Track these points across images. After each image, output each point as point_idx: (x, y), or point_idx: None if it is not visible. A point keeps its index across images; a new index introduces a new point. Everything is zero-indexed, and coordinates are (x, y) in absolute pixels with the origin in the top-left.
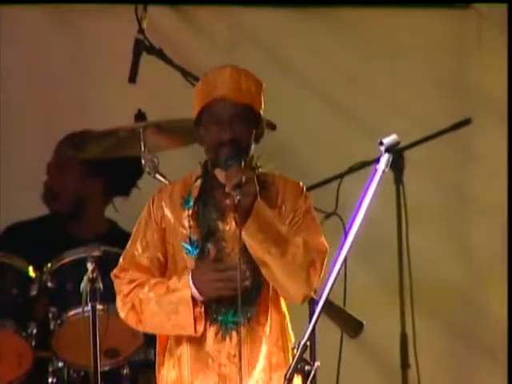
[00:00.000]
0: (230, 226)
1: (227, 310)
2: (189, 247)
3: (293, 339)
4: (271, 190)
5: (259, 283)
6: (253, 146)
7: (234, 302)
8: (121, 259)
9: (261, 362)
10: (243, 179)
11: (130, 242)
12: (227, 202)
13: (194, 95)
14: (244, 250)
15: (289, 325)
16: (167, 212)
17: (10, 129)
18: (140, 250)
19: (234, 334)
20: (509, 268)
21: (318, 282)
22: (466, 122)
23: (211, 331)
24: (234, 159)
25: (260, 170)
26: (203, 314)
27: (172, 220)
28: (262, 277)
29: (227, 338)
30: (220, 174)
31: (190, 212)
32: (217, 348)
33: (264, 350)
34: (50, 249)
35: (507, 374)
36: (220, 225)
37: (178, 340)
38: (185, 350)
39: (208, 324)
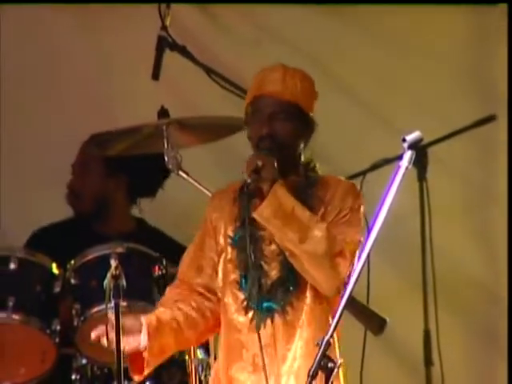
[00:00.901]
0: None
1: (262, 299)
2: (232, 237)
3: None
4: (322, 188)
5: (295, 272)
6: (301, 145)
7: (271, 290)
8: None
9: (292, 352)
10: (259, 164)
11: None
12: (245, 188)
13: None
14: None
15: (328, 316)
16: (220, 211)
17: (36, 129)
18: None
19: (269, 322)
20: (509, 268)
21: (347, 273)
22: (489, 119)
23: (246, 320)
24: (265, 150)
25: (319, 171)
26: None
27: (223, 218)
28: None
29: (262, 328)
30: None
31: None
32: (251, 338)
33: (296, 339)
34: (78, 249)
35: None
36: None
37: (220, 333)
38: (222, 341)
39: (243, 313)
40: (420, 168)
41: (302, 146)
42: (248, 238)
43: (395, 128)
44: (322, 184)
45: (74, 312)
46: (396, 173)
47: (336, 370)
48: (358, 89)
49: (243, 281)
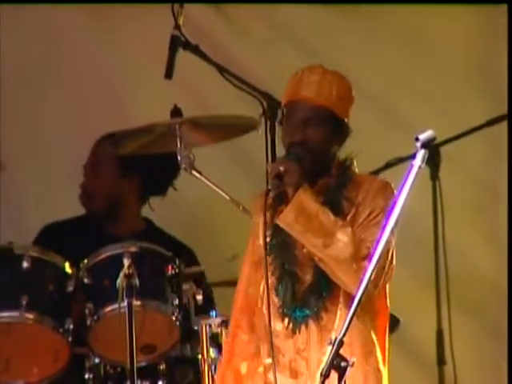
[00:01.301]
0: None
1: (296, 304)
2: (268, 242)
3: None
4: (355, 188)
5: (327, 277)
6: (335, 148)
7: (304, 297)
8: None
9: (327, 357)
10: (282, 170)
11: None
12: (270, 194)
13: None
14: None
15: (366, 319)
16: (260, 213)
17: (49, 129)
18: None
19: (304, 328)
20: (509, 267)
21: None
22: (501, 118)
23: (282, 326)
24: (294, 155)
25: (356, 170)
26: None
27: (262, 220)
28: None
29: (297, 333)
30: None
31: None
32: (287, 343)
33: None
34: (87, 248)
35: None
36: None
37: (260, 338)
38: (262, 347)
39: (279, 319)
40: (433, 167)
41: (335, 149)
42: (280, 244)
43: (408, 127)
44: (354, 184)
45: (86, 311)
46: (409, 172)
47: (349, 368)
48: (371, 88)
49: (278, 287)
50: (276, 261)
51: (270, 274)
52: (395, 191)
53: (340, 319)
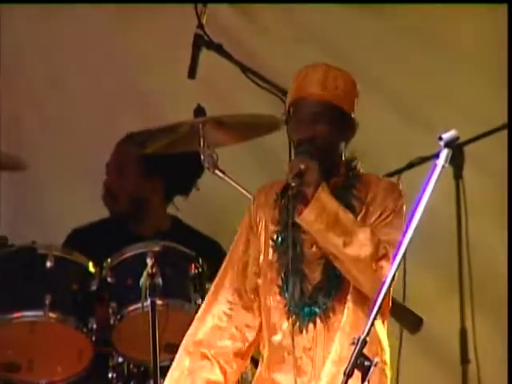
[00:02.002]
0: None
1: (304, 303)
2: (274, 240)
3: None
4: (363, 188)
5: (338, 276)
6: (342, 145)
7: (312, 295)
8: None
9: (331, 355)
10: (302, 168)
11: (235, 239)
12: (289, 192)
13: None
14: None
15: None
16: (262, 209)
17: (72, 128)
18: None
19: (311, 326)
20: (509, 266)
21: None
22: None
23: (288, 324)
24: (305, 152)
25: (361, 170)
26: None
27: (264, 216)
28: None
29: (304, 331)
30: (284, 167)
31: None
32: (293, 341)
33: (336, 343)
34: (114, 250)
35: None
36: None
37: (262, 337)
38: (265, 344)
39: (285, 317)
40: (456, 166)
41: (342, 146)
42: (290, 242)
43: (432, 127)
44: (362, 183)
45: (110, 310)
46: (432, 171)
47: (372, 368)
48: (395, 88)
49: (285, 285)
50: (283, 258)
51: (275, 272)
52: (402, 191)
53: (348, 318)
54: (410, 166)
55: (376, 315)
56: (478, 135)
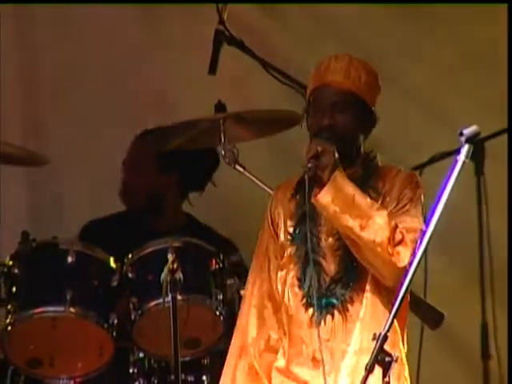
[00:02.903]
0: None
1: (321, 295)
2: (291, 234)
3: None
4: (380, 179)
5: (356, 267)
6: (361, 137)
7: (329, 287)
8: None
9: (352, 347)
10: (319, 150)
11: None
12: (305, 175)
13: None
14: (340, 234)
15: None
16: (280, 206)
17: (93, 123)
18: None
19: (329, 318)
20: (509, 266)
21: (411, 261)
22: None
23: (306, 316)
24: (323, 137)
25: (379, 162)
26: None
27: (283, 212)
28: (359, 261)
29: (322, 323)
30: (302, 150)
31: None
32: (310, 334)
33: (356, 334)
34: (128, 244)
35: None
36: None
37: (281, 328)
38: (284, 336)
39: (304, 309)
40: (477, 162)
41: (361, 138)
42: (308, 233)
43: (454, 122)
44: (380, 175)
45: (131, 306)
46: (453, 167)
47: (393, 363)
48: (417, 84)
49: (303, 278)
50: (299, 251)
51: (294, 265)
52: (420, 182)
53: (366, 309)
54: (432, 161)
55: (397, 311)
56: (499, 130)
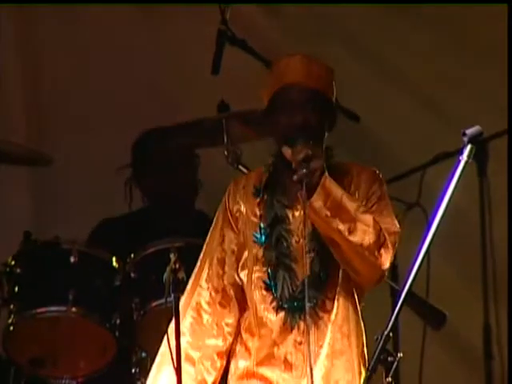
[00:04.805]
0: (299, 212)
1: (293, 298)
2: (257, 235)
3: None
4: (345, 177)
5: (327, 269)
6: (326, 135)
7: (301, 290)
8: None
9: (325, 349)
10: (309, 154)
11: (209, 233)
12: (294, 177)
13: (265, 84)
14: (311, 236)
15: (358, 310)
16: (241, 202)
17: (96, 123)
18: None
19: (301, 321)
20: (509, 266)
21: (389, 264)
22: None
23: (278, 319)
24: (302, 137)
25: (335, 160)
26: None
27: (245, 210)
28: (330, 263)
29: (294, 325)
30: (286, 152)
31: (259, 200)
32: (282, 336)
33: (328, 336)
34: (138, 243)
35: None
36: (288, 212)
37: (247, 328)
38: (252, 338)
39: (275, 311)
40: (480, 162)
41: (326, 135)
42: (276, 237)
43: (456, 122)
44: (343, 172)
45: (133, 306)
46: (456, 167)
47: (396, 363)
48: (419, 83)
49: (271, 281)
50: (269, 253)
51: (260, 267)
52: (383, 178)
53: (337, 311)
54: (435, 160)
55: (400, 310)
56: (502, 131)
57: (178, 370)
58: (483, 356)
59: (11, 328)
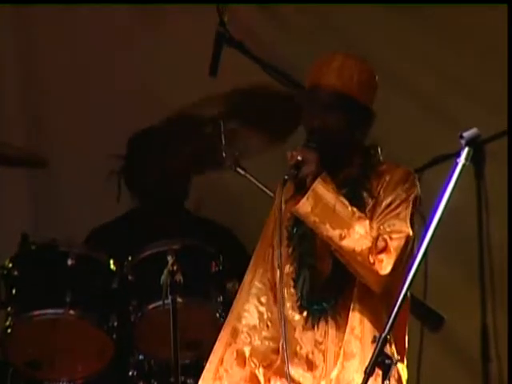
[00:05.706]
0: None
1: (313, 299)
2: (290, 232)
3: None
4: (377, 178)
5: (344, 270)
6: (357, 135)
7: (324, 291)
8: None
9: (342, 351)
10: (299, 159)
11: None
12: (286, 184)
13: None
14: None
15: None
16: (283, 201)
17: (91, 125)
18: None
19: (322, 321)
20: (508, 269)
21: (395, 268)
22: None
23: (300, 318)
24: (314, 143)
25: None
26: None
27: (285, 207)
28: None
29: (315, 325)
30: (286, 155)
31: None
32: (305, 336)
33: (345, 338)
34: (136, 245)
35: None
36: None
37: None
38: (280, 338)
39: (297, 311)
40: (477, 165)
41: (358, 137)
42: (300, 235)
43: (457, 124)
44: (377, 173)
45: (131, 308)
46: (454, 169)
47: (393, 366)
48: (417, 84)
49: (297, 279)
50: (296, 252)
51: (290, 265)
52: (415, 180)
53: (353, 313)
54: (433, 163)
55: (397, 314)
56: (499, 133)
57: (176, 369)
58: (481, 357)
59: (9, 330)
